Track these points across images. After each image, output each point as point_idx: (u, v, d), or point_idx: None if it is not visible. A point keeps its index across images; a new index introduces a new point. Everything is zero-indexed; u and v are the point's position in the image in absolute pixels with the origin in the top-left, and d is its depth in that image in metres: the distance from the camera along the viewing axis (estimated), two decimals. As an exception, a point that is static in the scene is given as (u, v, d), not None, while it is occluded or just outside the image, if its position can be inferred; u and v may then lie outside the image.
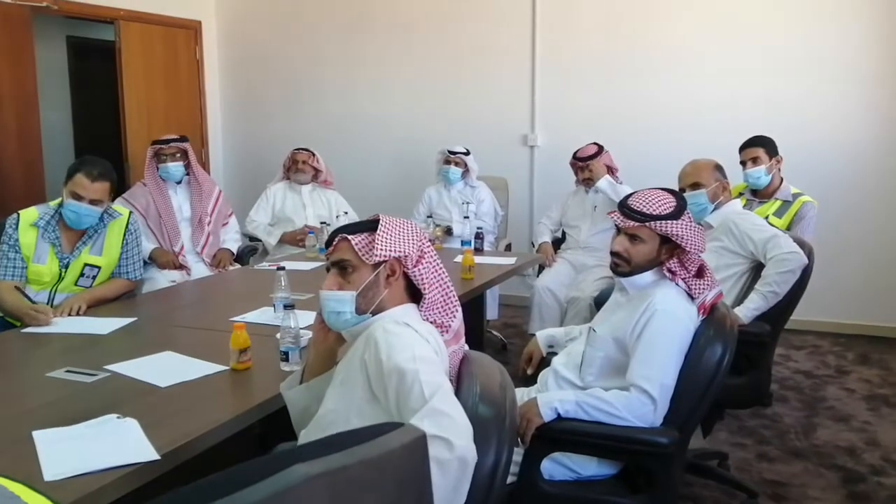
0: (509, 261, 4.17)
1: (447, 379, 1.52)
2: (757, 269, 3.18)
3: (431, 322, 1.68)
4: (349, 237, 1.68)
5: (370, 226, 1.70)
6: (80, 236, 3.22)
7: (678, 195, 2.26)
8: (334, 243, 1.71)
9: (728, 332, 2.15)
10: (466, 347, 1.76)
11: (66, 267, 3.18)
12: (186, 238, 4.23)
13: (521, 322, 5.29)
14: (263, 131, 6.75)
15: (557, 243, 4.88)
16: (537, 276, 4.76)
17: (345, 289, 1.68)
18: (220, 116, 6.93)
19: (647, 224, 2.19)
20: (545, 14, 5.69)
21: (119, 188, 3.84)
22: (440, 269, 1.74)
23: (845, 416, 3.83)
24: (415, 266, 1.68)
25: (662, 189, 2.27)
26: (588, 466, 2.16)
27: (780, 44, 5.14)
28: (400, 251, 1.66)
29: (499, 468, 1.41)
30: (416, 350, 1.50)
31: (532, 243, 5.22)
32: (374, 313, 1.69)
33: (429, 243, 1.74)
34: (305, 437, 1.66)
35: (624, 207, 2.23)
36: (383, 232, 1.66)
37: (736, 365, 2.69)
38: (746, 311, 3.01)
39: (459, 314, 1.73)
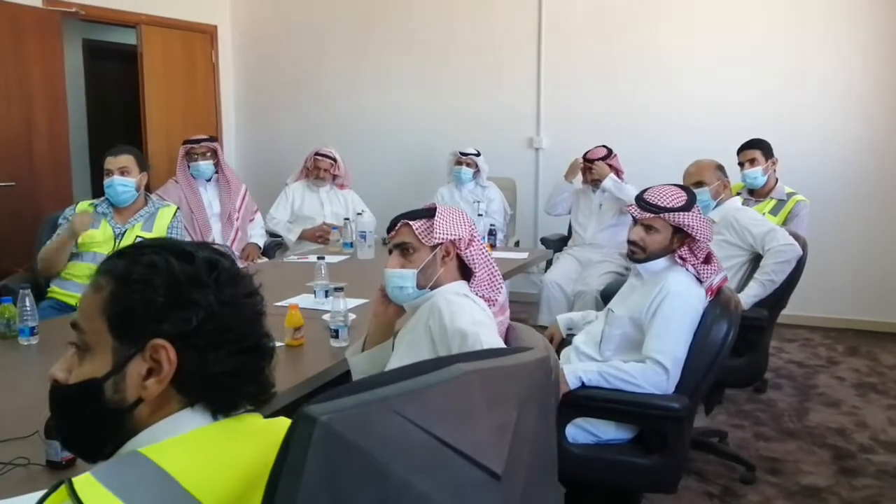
0: (522, 255, 4.45)
1: (501, 341, 1.79)
2: (755, 260, 3.46)
3: (480, 297, 1.95)
4: (410, 223, 1.95)
5: (428, 213, 1.96)
6: (132, 213, 3.58)
7: (688, 190, 2.53)
8: (396, 228, 1.98)
9: (733, 311, 2.43)
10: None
11: (122, 236, 3.51)
12: (217, 233, 4.49)
13: (526, 317, 5.53)
14: (276, 132, 6.98)
15: (564, 241, 5.15)
16: (545, 271, 5.02)
17: (406, 267, 1.95)
18: (234, 118, 7.15)
19: (661, 215, 2.46)
20: (550, 24, 5.95)
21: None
22: (487, 251, 2.01)
23: (836, 401, 4.09)
24: (467, 248, 1.95)
25: (674, 185, 2.55)
26: (607, 430, 2.42)
27: (775, 51, 5.40)
28: (455, 235, 1.93)
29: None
30: (475, 315, 1.77)
31: (539, 241, 5.48)
32: (431, 288, 1.95)
33: (477, 230, 2.01)
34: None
35: (640, 201, 2.51)
36: (441, 218, 1.93)
37: (736, 347, 2.96)
38: (746, 298, 3.29)
39: (504, 290, 1.99)
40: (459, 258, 1.98)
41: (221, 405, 0.99)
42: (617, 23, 5.78)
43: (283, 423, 1.04)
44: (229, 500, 0.88)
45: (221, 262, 1.02)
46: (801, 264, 3.37)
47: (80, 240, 3.46)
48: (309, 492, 0.78)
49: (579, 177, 4.99)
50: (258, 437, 0.99)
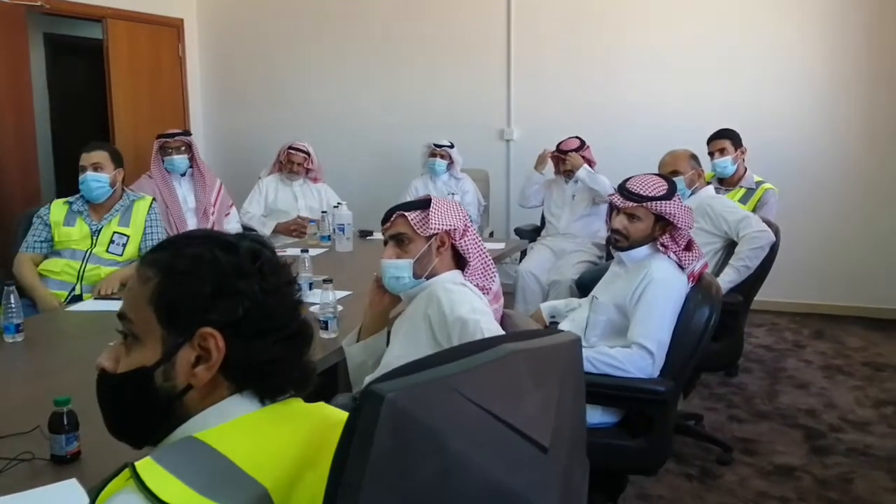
0: (499, 245, 4.51)
1: (500, 328, 1.83)
2: (730, 246, 3.56)
3: (475, 285, 1.99)
4: (406, 214, 1.98)
5: (422, 204, 2.00)
6: (107, 209, 3.57)
7: (669, 179, 2.60)
8: (391, 219, 2.01)
9: (714, 296, 2.50)
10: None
11: (98, 233, 3.50)
12: (192, 228, 4.45)
13: (501, 306, 5.60)
14: (244, 126, 6.92)
15: (537, 231, 5.20)
16: (519, 261, 5.07)
17: (402, 258, 1.99)
18: (202, 112, 7.08)
19: (643, 204, 2.52)
20: (519, 16, 6.00)
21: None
22: (480, 241, 2.05)
23: (804, 383, 4.21)
24: (461, 238, 1.99)
25: (655, 174, 2.61)
26: (593, 415, 2.47)
27: (739, 44, 5.51)
28: (450, 225, 1.97)
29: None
30: (474, 304, 1.81)
31: (512, 231, 5.53)
32: (427, 278, 1.99)
33: (471, 221, 2.05)
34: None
35: (623, 190, 2.56)
36: (436, 209, 1.97)
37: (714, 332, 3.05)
38: (723, 284, 3.37)
39: (497, 279, 2.04)
40: (454, 248, 2.02)
41: (268, 391, 1.03)
42: (586, 16, 5.84)
43: (324, 407, 1.08)
44: (284, 480, 0.92)
45: (263, 251, 1.06)
46: (774, 250, 3.47)
47: (56, 238, 3.46)
48: (377, 464, 0.82)
49: (550, 167, 5.04)
50: (305, 420, 1.03)
